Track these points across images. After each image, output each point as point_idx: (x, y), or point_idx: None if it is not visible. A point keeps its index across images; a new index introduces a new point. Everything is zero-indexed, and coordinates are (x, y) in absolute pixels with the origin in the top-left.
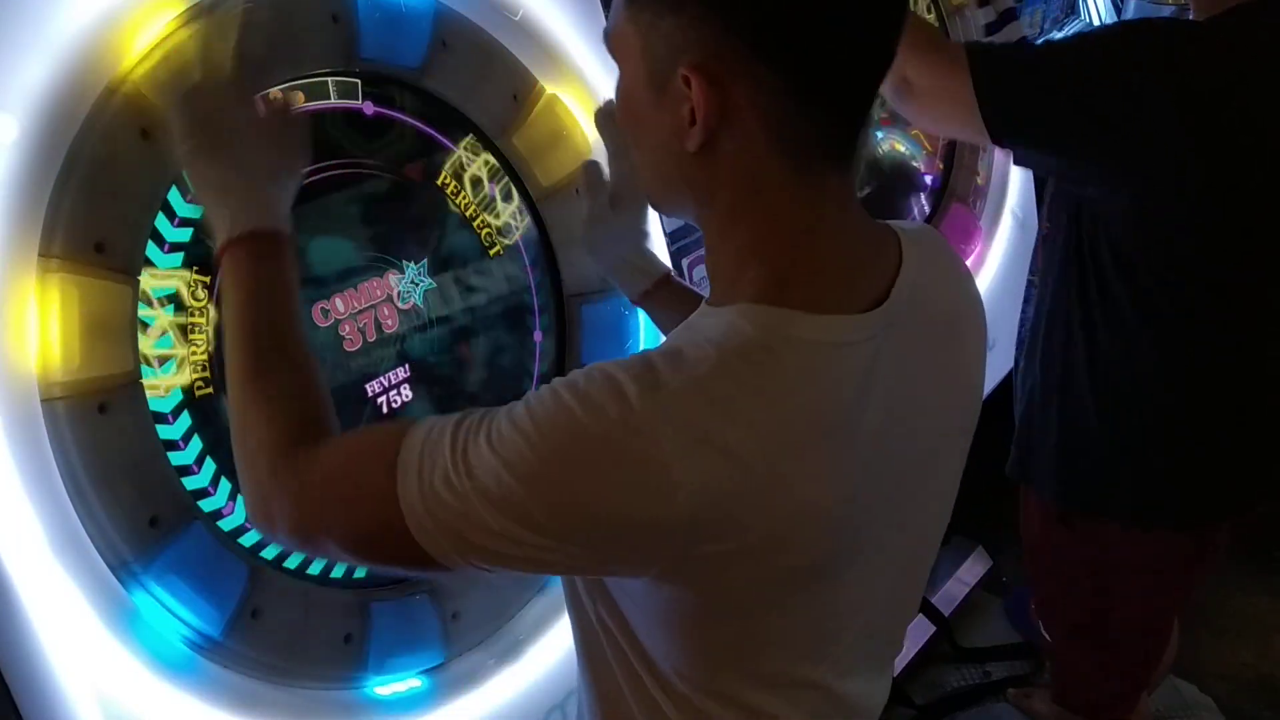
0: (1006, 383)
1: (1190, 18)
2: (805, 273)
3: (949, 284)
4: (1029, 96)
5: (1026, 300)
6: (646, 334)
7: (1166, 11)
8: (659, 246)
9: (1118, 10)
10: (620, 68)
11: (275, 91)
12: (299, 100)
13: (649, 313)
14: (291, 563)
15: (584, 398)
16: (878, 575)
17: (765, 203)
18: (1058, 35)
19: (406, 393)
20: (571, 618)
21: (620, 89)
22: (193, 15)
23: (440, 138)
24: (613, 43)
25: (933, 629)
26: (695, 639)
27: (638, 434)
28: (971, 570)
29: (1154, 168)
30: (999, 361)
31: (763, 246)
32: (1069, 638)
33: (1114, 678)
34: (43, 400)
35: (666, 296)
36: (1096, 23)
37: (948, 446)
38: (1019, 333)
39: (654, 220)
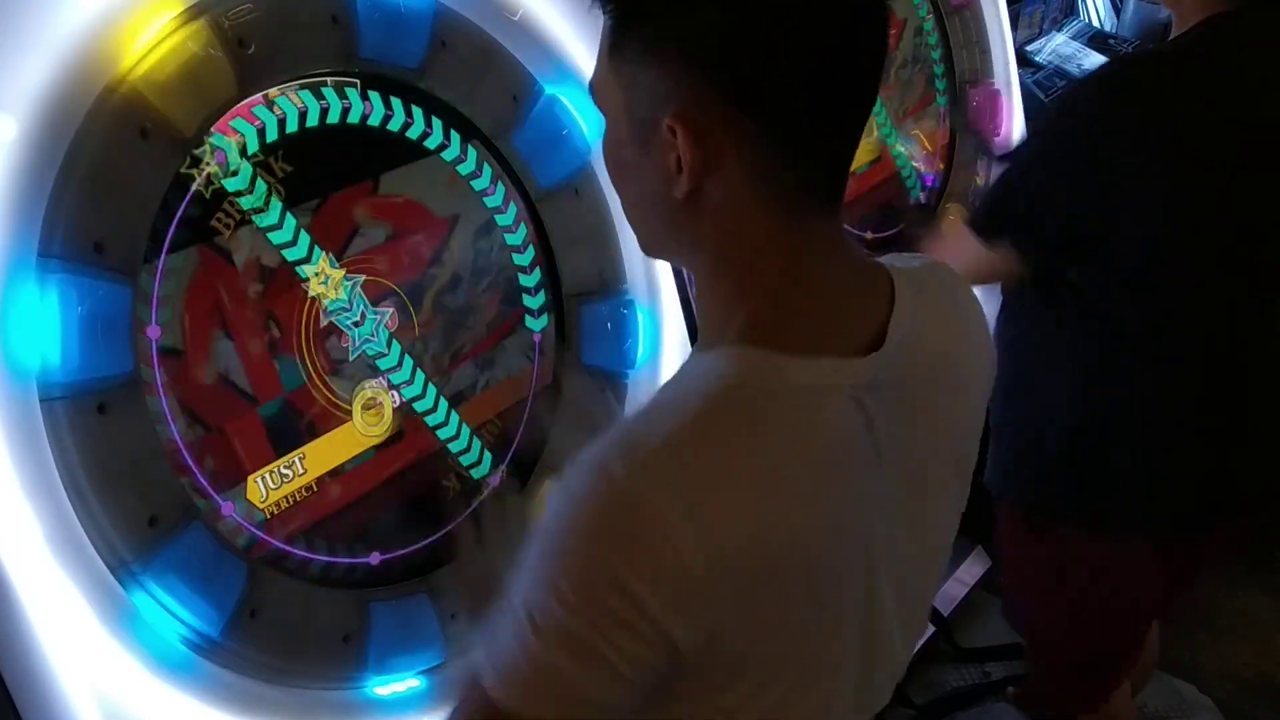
0: None
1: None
2: (790, 316)
3: (952, 327)
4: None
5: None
6: (646, 334)
7: (1164, 13)
8: None
9: (1117, 11)
10: (605, 118)
11: None
12: None
13: None
14: (290, 563)
15: (574, 496)
16: (872, 627)
17: (751, 249)
18: (1058, 35)
19: (405, 392)
20: None
21: (606, 139)
22: (191, 15)
23: (440, 138)
24: (596, 93)
25: (932, 629)
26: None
27: (634, 507)
28: (971, 570)
29: (1148, 205)
30: None
31: (748, 292)
32: (1038, 643)
33: (1078, 684)
34: (42, 400)
35: None
36: (1095, 23)
37: (944, 496)
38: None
39: None
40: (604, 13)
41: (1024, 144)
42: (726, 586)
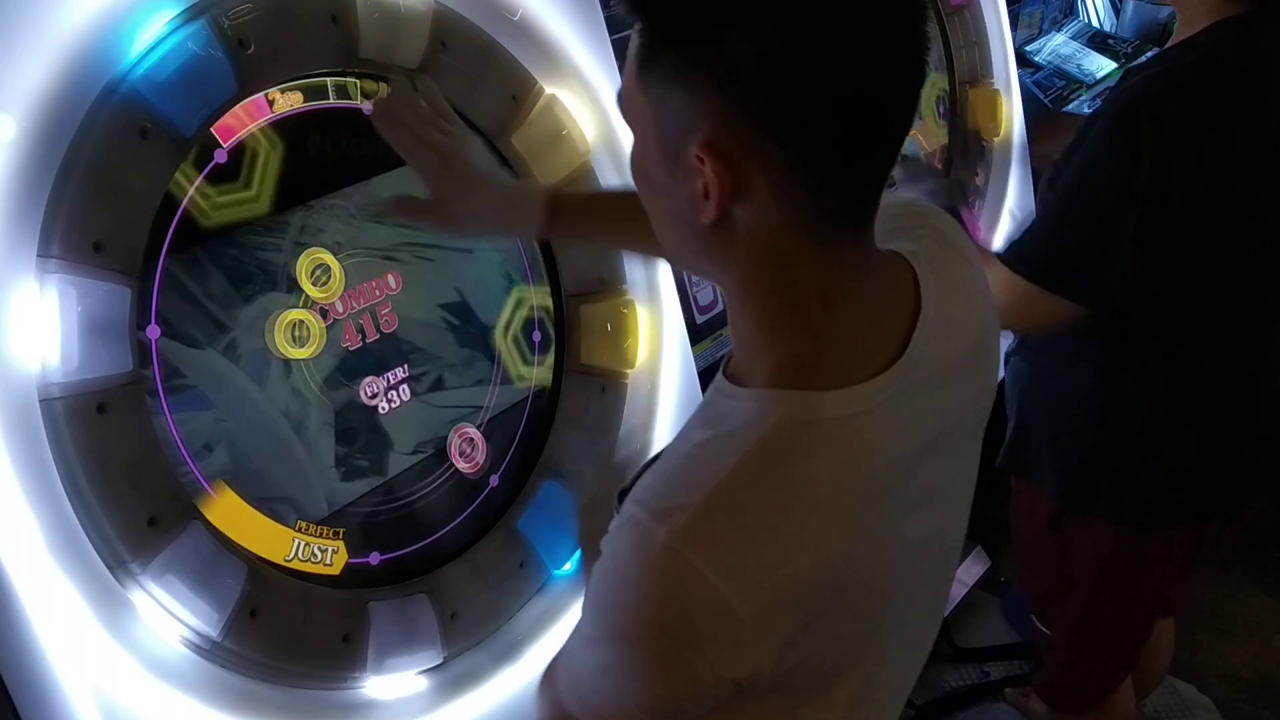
0: (1001, 383)
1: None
2: (823, 349)
3: (970, 303)
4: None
5: None
6: (645, 333)
7: (1163, 13)
8: None
9: (1116, 11)
10: (633, 132)
11: None
12: None
13: (568, 240)
14: (290, 563)
15: (622, 569)
16: (905, 633)
17: (781, 277)
18: (1057, 36)
19: (405, 392)
20: None
21: (634, 153)
22: (191, 15)
23: None
24: (624, 106)
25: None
26: None
27: (681, 571)
28: (970, 570)
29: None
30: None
31: (780, 322)
32: (1058, 631)
33: (1096, 671)
34: (41, 400)
35: (572, 218)
36: (1095, 23)
37: (963, 489)
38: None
39: None
40: (635, 31)
41: (1071, 188)
42: (780, 627)
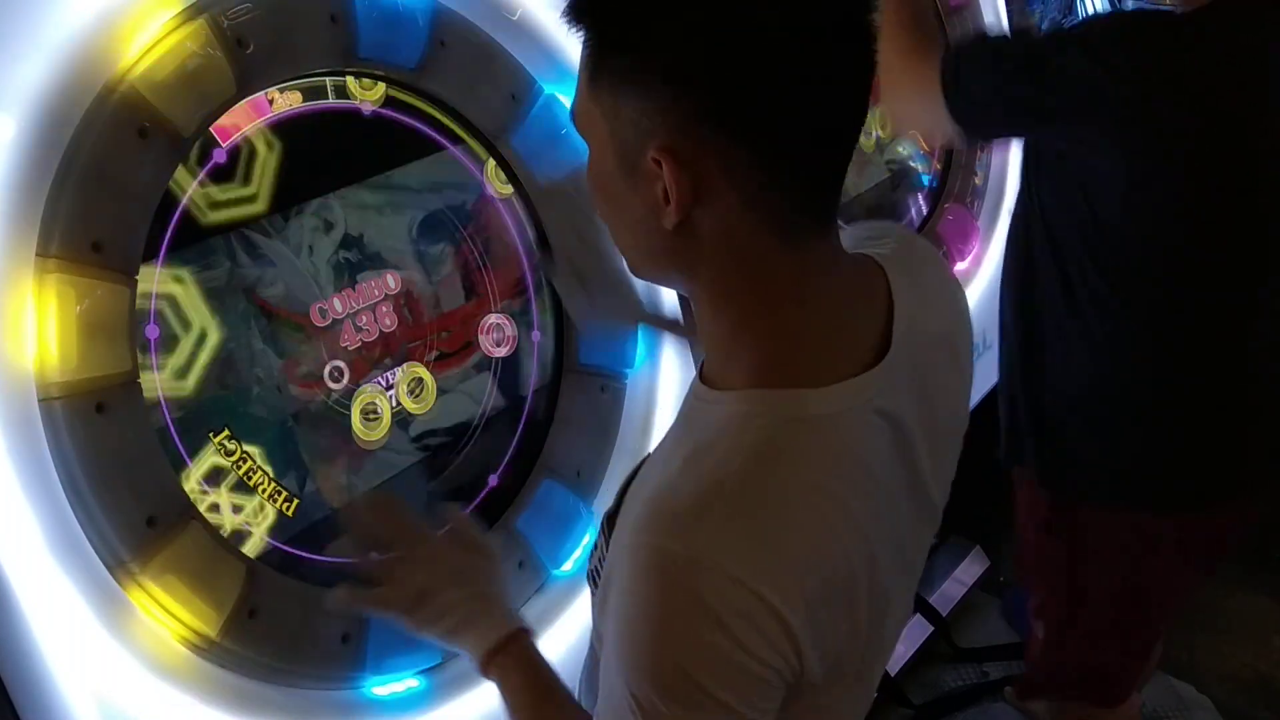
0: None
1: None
2: (800, 346)
3: (940, 304)
4: (1000, 90)
5: (1004, 283)
6: (645, 333)
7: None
8: None
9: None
10: (589, 146)
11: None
12: (454, 510)
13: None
14: (289, 562)
15: (643, 593)
16: (892, 621)
17: (751, 277)
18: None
19: (405, 392)
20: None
21: (590, 168)
22: (190, 15)
23: (438, 138)
24: (578, 121)
25: (930, 629)
26: None
27: (703, 573)
28: (969, 570)
29: (1144, 137)
30: (996, 362)
31: (755, 323)
32: (1056, 627)
33: (1102, 664)
34: (40, 400)
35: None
36: None
37: (949, 463)
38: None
39: None
40: (582, 41)
41: (1026, 41)
42: (802, 619)
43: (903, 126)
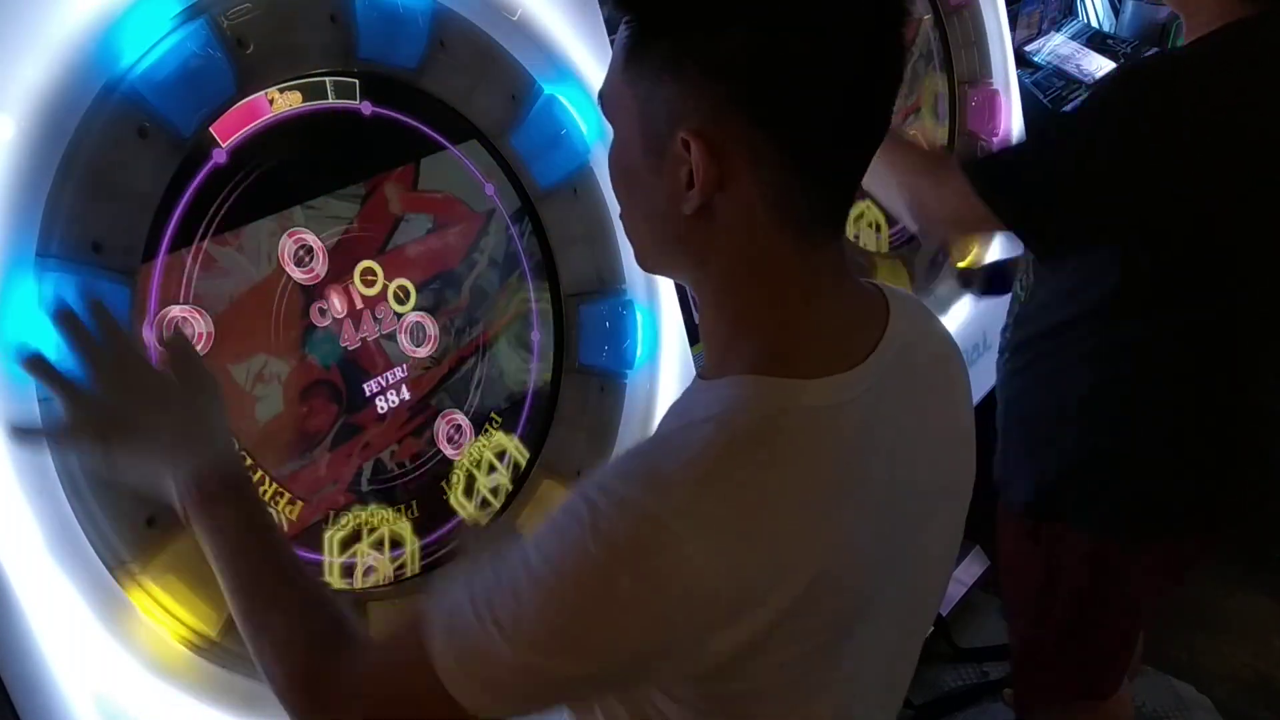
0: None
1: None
2: (802, 341)
3: (933, 333)
4: (1040, 194)
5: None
6: (645, 334)
7: (1163, 13)
8: None
9: (1115, 11)
10: (614, 129)
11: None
12: (174, 327)
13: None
14: None
15: (595, 530)
16: (882, 641)
17: (762, 271)
18: (1056, 36)
19: (405, 393)
20: None
21: (614, 149)
22: (190, 15)
23: (438, 138)
24: (606, 103)
25: (930, 629)
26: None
27: (660, 531)
28: (969, 570)
29: (1171, 210)
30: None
31: (759, 316)
32: (1031, 645)
33: (1076, 681)
34: (40, 400)
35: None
36: (1094, 23)
37: (947, 504)
38: (1000, 340)
39: None
40: (624, 24)
41: (1051, 127)
42: (751, 610)
43: (935, 236)
